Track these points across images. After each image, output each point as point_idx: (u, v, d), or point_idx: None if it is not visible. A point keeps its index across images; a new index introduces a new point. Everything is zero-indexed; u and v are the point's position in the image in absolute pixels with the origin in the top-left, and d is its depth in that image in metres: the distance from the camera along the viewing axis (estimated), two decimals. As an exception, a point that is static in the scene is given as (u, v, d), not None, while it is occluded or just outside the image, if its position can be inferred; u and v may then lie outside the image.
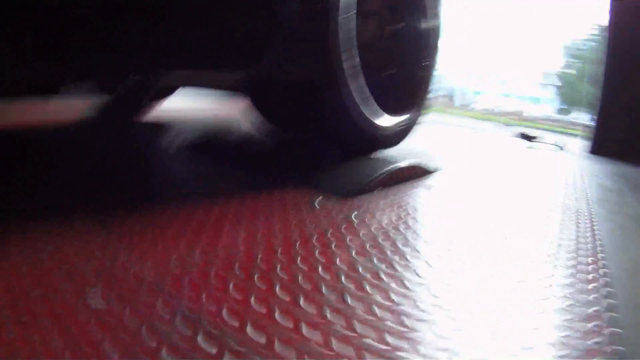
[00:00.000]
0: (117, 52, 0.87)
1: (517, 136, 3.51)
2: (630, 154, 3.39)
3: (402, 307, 0.49)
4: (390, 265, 0.62)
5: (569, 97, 21.79)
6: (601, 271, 0.62)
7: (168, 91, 2.54)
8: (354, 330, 0.43)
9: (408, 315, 0.47)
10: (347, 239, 0.70)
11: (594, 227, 0.88)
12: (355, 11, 1.12)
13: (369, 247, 0.67)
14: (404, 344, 0.41)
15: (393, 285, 0.55)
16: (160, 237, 0.64)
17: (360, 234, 0.72)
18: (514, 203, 1.11)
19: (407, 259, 0.65)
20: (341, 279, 0.56)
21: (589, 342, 0.43)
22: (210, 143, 1.52)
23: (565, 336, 0.44)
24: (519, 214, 0.99)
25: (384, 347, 0.41)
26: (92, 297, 0.44)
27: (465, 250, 0.70)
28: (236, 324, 0.43)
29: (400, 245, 0.69)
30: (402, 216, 0.88)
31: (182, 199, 0.83)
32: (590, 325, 0.46)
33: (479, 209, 1.01)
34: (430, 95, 1.67)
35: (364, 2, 1.28)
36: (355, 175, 1.06)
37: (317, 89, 1.06)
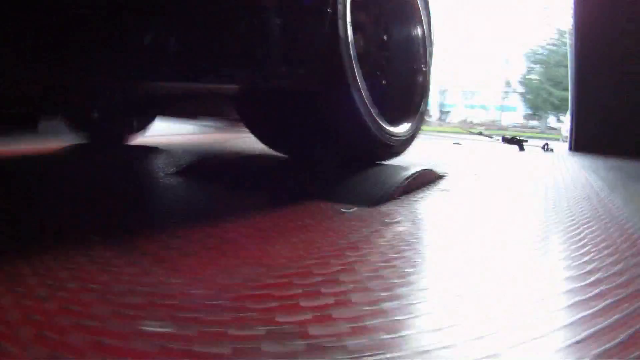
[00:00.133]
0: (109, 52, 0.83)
1: (505, 142, 3.62)
2: (607, 148, 3.56)
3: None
4: (461, 261, 0.59)
5: (534, 102, 22.78)
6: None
7: (152, 117, 2.49)
8: (438, 328, 0.39)
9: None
10: (399, 243, 0.67)
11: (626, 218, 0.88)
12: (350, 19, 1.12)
13: (423, 247, 0.64)
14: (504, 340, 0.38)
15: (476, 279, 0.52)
16: (202, 256, 0.59)
17: (406, 238, 0.69)
18: (536, 198, 1.11)
19: (475, 254, 0.62)
20: (409, 279, 0.52)
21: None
22: (208, 165, 1.47)
23: None
24: (548, 206, 0.98)
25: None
26: (152, 323, 0.39)
27: (527, 239, 0.68)
28: (329, 331, 0.38)
29: (461, 243, 0.67)
30: (441, 218, 0.86)
31: (204, 220, 0.78)
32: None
33: (506, 205, 1.00)
34: (428, 103, 1.68)
35: (359, 10, 1.29)
36: (375, 184, 1.03)
37: (329, 97, 1.04)
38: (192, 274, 0.53)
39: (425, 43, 1.65)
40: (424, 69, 1.65)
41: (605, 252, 0.65)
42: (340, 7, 1.00)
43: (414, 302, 0.46)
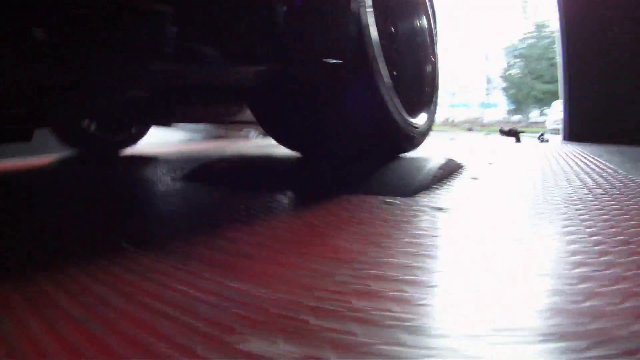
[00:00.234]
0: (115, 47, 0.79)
1: (503, 134, 3.66)
2: (599, 136, 3.63)
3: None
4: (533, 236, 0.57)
5: (516, 97, 23.24)
6: None
7: (148, 126, 2.42)
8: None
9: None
10: (459, 227, 0.64)
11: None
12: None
13: (490, 233, 0.62)
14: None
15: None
16: (257, 257, 0.55)
17: (468, 225, 0.67)
18: (562, 179, 1.10)
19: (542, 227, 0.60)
20: (499, 264, 0.50)
21: None
22: (219, 168, 1.43)
23: None
24: (578, 185, 0.97)
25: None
26: (256, 340, 0.34)
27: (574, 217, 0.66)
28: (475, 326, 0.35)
29: (523, 220, 0.64)
30: (487, 203, 0.83)
31: (239, 220, 0.73)
32: None
33: (541, 187, 0.98)
34: (438, 94, 1.67)
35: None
36: (408, 174, 1.01)
37: (355, 88, 1.01)
38: (256, 276, 0.48)
39: (431, 33, 1.64)
40: (432, 59, 1.65)
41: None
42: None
43: (520, 285, 0.44)
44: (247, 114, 2.21)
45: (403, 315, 0.37)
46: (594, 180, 1.09)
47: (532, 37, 19.74)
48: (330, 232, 0.65)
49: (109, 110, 1.84)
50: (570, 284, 0.43)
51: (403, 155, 1.31)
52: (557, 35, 4.00)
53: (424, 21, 1.59)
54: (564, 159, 1.78)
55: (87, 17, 0.73)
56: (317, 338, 0.33)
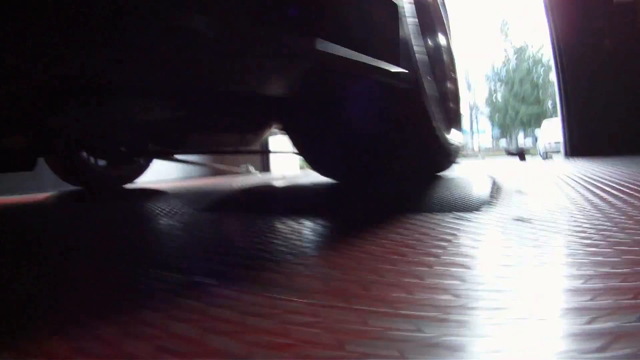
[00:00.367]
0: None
1: (508, 154, 3.71)
2: (598, 151, 3.70)
3: None
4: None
5: (502, 122, 23.89)
6: None
7: (151, 158, 2.36)
8: None
9: None
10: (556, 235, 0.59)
11: None
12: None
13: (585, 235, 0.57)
14: None
15: None
16: (383, 273, 0.48)
17: (556, 233, 0.62)
18: (597, 188, 1.06)
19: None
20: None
21: None
22: (245, 198, 1.36)
23: None
24: (616, 192, 0.93)
25: None
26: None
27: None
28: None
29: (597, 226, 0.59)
30: (557, 211, 0.79)
31: (317, 246, 0.67)
32: None
33: (587, 197, 0.94)
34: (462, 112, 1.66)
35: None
36: (460, 191, 0.97)
37: (404, 105, 0.98)
38: (399, 301, 0.42)
39: (450, 51, 1.66)
40: (453, 76, 1.65)
41: None
42: (407, 5, 0.96)
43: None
44: (258, 144, 2.17)
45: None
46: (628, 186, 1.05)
47: (513, 61, 20.54)
48: (434, 249, 0.59)
49: (117, 139, 1.79)
50: None
51: (441, 174, 1.28)
52: (550, 54, 4.13)
53: (444, 39, 1.61)
54: (586, 171, 1.77)
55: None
56: None
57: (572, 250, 0.53)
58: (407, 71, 0.84)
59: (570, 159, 3.80)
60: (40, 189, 2.30)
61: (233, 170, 3.68)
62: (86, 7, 0.58)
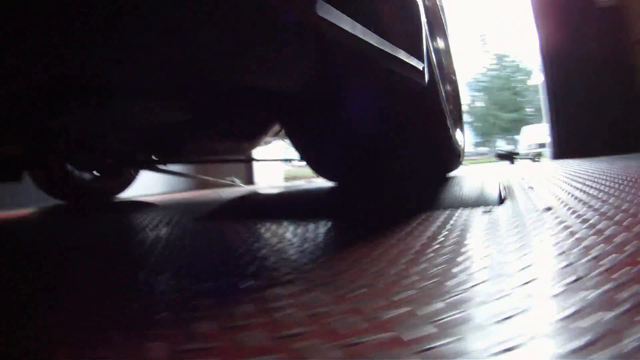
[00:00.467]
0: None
1: (498, 157, 3.78)
2: (584, 153, 3.81)
3: None
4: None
5: (482, 129, 24.42)
6: None
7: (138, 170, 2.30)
8: None
9: None
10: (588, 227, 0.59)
11: None
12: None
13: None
14: None
15: None
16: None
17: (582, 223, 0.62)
18: (597, 183, 1.08)
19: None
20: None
21: None
22: (244, 205, 1.34)
23: None
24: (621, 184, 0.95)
25: None
26: None
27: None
28: None
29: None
30: (572, 202, 0.79)
31: (336, 248, 0.65)
32: None
33: (591, 191, 0.96)
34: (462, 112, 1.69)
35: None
36: (481, 189, 0.97)
37: (420, 104, 0.97)
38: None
39: (449, 53, 1.68)
40: (453, 78, 1.68)
41: None
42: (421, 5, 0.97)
43: None
44: (250, 150, 2.14)
45: None
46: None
47: (493, 69, 21.08)
48: (458, 247, 0.59)
49: (107, 148, 1.74)
50: None
51: (450, 174, 1.28)
52: (537, 57, 4.25)
53: (444, 41, 1.63)
54: (584, 169, 1.81)
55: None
56: None
57: (613, 230, 0.53)
58: (425, 66, 0.84)
59: (558, 160, 3.90)
60: (21, 204, 2.21)
61: (219, 182, 3.63)
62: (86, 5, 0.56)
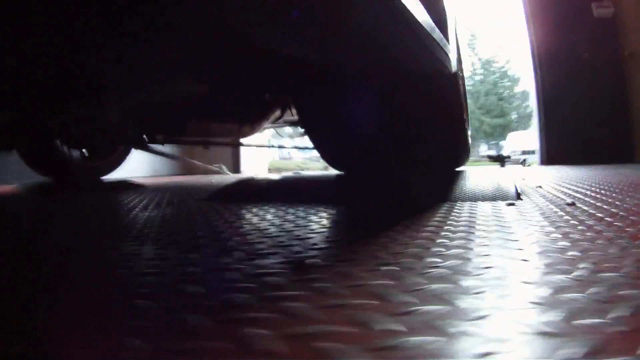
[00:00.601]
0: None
1: (490, 160, 3.87)
2: (570, 160, 3.93)
3: None
4: None
5: (467, 132, 24.71)
6: None
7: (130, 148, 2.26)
8: None
9: None
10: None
11: None
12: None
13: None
14: None
15: None
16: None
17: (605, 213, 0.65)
18: (598, 181, 1.13)
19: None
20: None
21: None
22: (247, 189, 1.33)
23: None
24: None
25: None
26: None
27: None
28: None
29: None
30: (592, 199, 0.83)
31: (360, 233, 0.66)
32: None
33: (599, 190, 1.00)
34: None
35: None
36: (500, 184, 1.00)
37: (444, 95, 0.99)
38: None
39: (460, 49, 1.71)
40: (460, 74, 1.70)
41: None
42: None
43: None
44: (251, 135, 2.13)
45: None
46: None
47: (480, 74, 21.35)
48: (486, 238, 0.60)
49: (98, 127, 1.69)
50: None
51: (458, 169, 1.31)
52: (529, 63, 4.34)
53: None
54: (564, 174, 1.87)
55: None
56: None
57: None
58: (455, 52, 0.86)
59: (546, 166, 4.01)
60: (3, 181, 2.14)
61: (206, 168, 3.58)
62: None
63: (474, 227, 0.61)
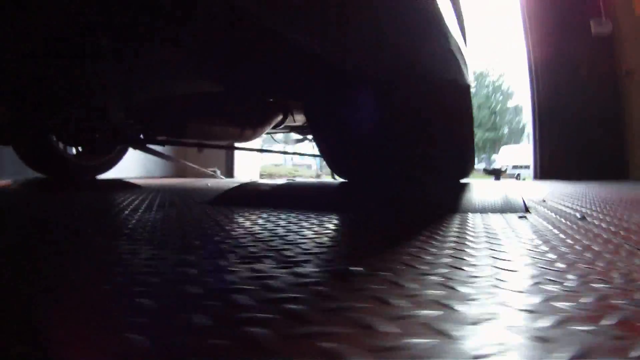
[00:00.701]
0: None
1: (486, 173, 3.92)
2: (562, 175, 4.00)
3: None
4: None
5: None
6: None
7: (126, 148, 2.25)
8: None
9: None
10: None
11: None
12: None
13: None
14: None
15: None
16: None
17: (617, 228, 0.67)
18: (602, 195, 1.16)
19: None
20: None
21: None
22: (248, 194, 1.34)
23: None
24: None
25: None
26: None
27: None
28: None
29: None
30: (599, 211, 0.85)
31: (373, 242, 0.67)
32: None
33: (604, 202, 1.03)
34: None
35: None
36: (507, 197, 1.02)
37: (457, 104, 1.01)
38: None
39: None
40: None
41: None
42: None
43: None
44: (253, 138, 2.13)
45: None
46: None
47: (472, 87, 21.73)
48: (480, 246, 0.62)
49: (96, 125, 1.68)
50: None
51: (462, 180, 1.33)
52: (527, 78, 4.42)
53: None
54: (562, 189, 1.91)
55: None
56: None
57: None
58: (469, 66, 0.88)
59: (540, 180, 4.07)
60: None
61: (201, 171, 3.56)
62: None
63: (495, 238, 0.62)
